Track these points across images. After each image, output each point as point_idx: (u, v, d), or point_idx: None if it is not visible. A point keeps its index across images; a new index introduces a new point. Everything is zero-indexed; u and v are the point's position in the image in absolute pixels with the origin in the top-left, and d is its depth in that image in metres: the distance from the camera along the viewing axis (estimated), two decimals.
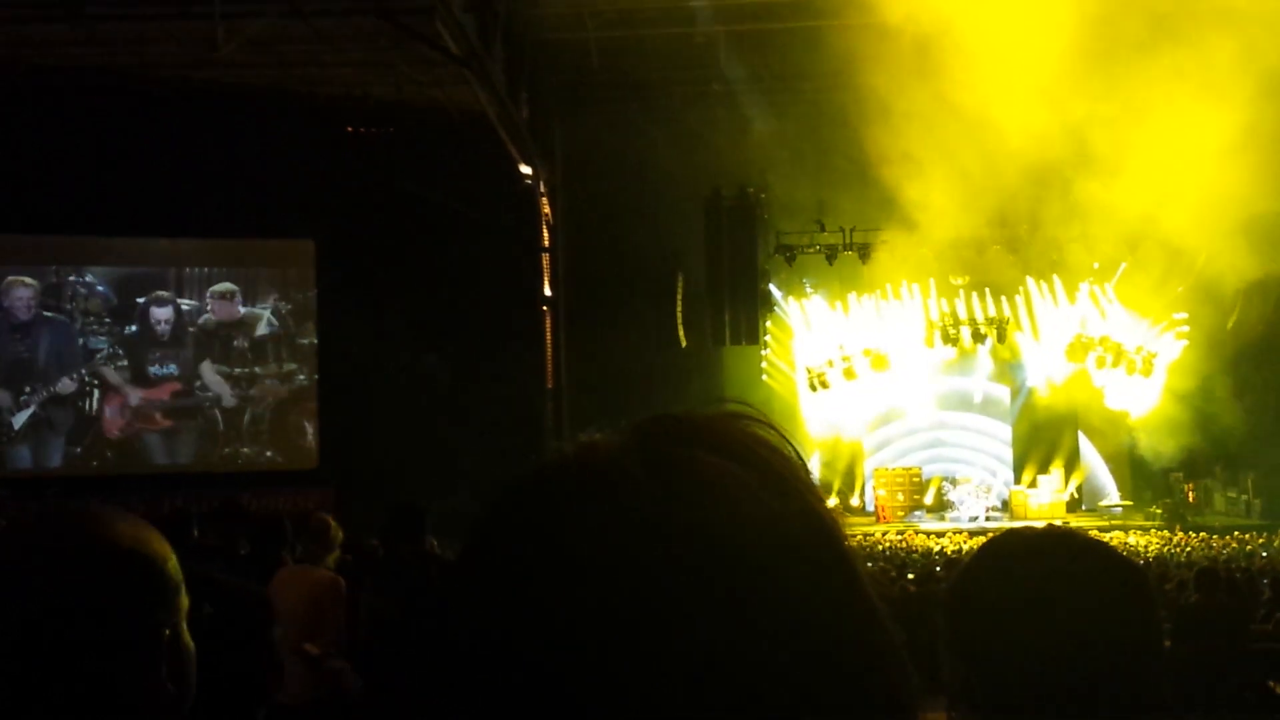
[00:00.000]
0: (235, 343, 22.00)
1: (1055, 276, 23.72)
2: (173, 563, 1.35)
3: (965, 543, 18.22)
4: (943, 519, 22.90)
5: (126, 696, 1.27)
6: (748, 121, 21.81)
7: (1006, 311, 23.84)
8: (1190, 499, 23.08)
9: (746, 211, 23.09)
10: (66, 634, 1.25)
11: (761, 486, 0.65)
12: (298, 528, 6.14)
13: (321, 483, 20.23)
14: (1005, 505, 23.62)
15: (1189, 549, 17.31)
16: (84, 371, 21.30)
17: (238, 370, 21.98)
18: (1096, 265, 23.25)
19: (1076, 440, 24.47)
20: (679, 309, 23.29)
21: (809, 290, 24.73)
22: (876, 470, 24.23)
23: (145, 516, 1.51)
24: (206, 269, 22.01)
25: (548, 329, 21.87)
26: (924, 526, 22.06)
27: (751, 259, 23.31)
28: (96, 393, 21.38)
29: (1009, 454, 24.69)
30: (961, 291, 23.79)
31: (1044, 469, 23.94)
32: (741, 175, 22.82)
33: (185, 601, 1.37)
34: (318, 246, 21.68)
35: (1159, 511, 22.41)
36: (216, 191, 19.69)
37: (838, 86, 19.46)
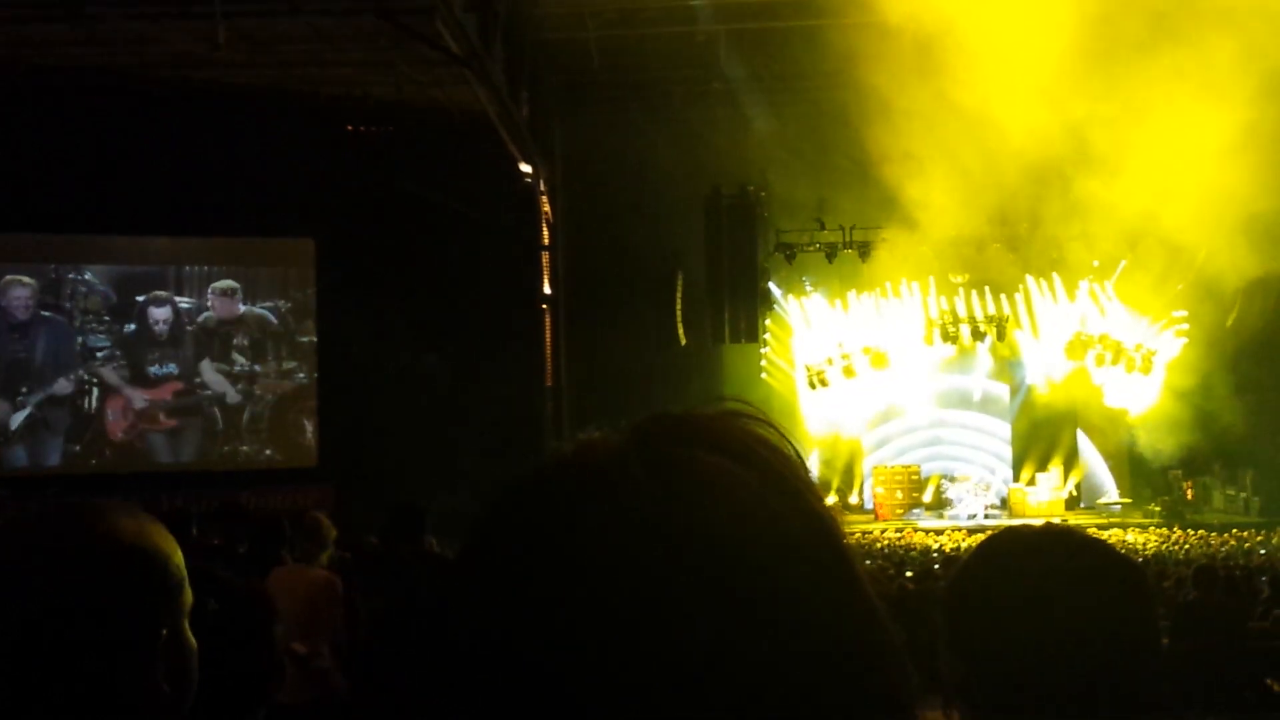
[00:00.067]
0: (235, 341, 21.98)
1: (1055, 274, 23.70)
2: (176, 559, 1.34)
3: (964, 541, 18.22)
4: (941, 517, 22.88)
5: (121, 696, 1.26)
6: (748, 120, 21.80)
7: (1006, 309, 23.82)
8: (1189, 497, 23.06)
9: (746, 210, 23.06)
10: (64, 633, 1.24)
11: (761, 485, 0.66)
12: (295, 526, 6.14)
13: (321, 481, 20.22)
14: (1004, 503, 23.60)
15: (1187, 546, 17.30)
16: (82, 371, 21.28)
17: (237, 368, 21.97)
18: (1096, 263, 23.23)
19: (1075, 438, 24.45)
20: (679, 307, 23.28)
21: (809, 288, 24.72)
22: (875, 468, 24.22)
23: None
24: (206, 268, 21.99)
25: (547, 328, 21.86)
26: (923, 524, 22.04)
27: (751, 257, 23.29)
28: (96, 391, 21.35)
29: (1008, 452, 24.68)
30: (961, 289, 23.77)
31: (1043, 467, 23.92)
32: (741, 174, 22.80)
33: (189, 598, 1.36)
34: (317, 245, 21.66)
35: (1158, 509, 22.40)
36: (216, 190, 19.67)
37: (838, 85, 19.45)
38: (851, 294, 24.25)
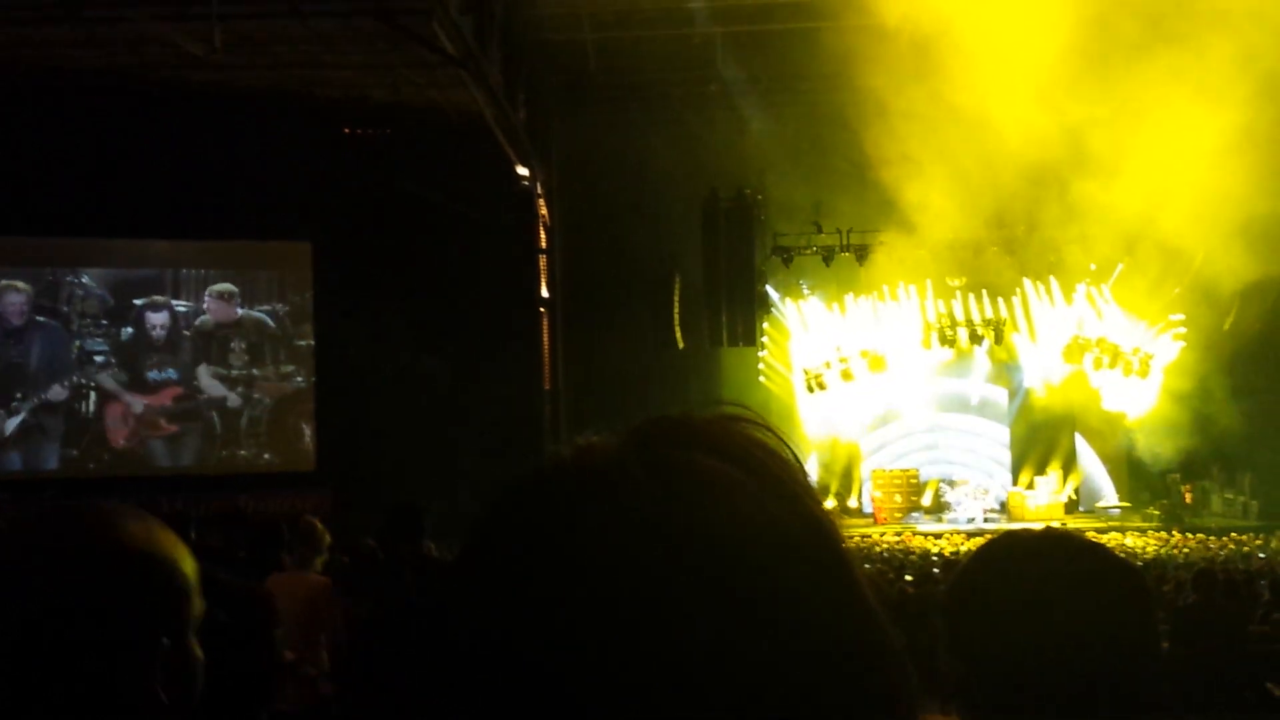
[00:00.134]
0: (233, 345, 21.97)
1: (1052, 278, 23.73)
2: (185, 568, 1.33)
3: (963, 544, 18.21)
4: (940, 520, 22.89)
5: (115, 700, 1.26)
6: (745, 123, 21.83)
7: (1003, 313, 23.86)
8: (1188, 500, 23.08)
9: (744, 213, 23.08)
10: (60, 633, 1.24)
11: (759, 489, 0.66)
12: (293, 530, 6.15)
13: (319, 485, 20.20)
14: (1003, 507, 23.62)
15: (1186, 550, 17.31)
16: (78, 376, 21.24)
17: (235, 372, 21.95)
18: (1093, 266, 23.26)
19: (1074, 442, 24.48)
20: (676, 310, 23.28)
21: (806, 292, 24.73)
22: (874, 472, 24.23)
23: None
24: (203, 271, 21.98)
25: (545, 330, 21.86)
26: (922, 528, 22.06)
27: (749, 260, 23.30)
28: (93, 395, 21.34)
29: (1006, 455, 24.70)
30: (958, 293, 23.80)
31: (1041, 470, 23.94)
32: (739, 176, 22.82)
33: (199, 608, 1.35)
34: (315, 248, 21.65)
35: (1156, 513, 22.42)
36: (214, 193, 19.67)
37: (835, 88, 19.49)
38: (849, 297, 24.28)
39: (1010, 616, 1.44)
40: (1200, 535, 19.71)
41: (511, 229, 21.14)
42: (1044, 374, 24.41)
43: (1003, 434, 24.86)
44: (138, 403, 21.39)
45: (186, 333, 21.76)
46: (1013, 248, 22.93)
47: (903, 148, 18.69)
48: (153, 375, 21.55)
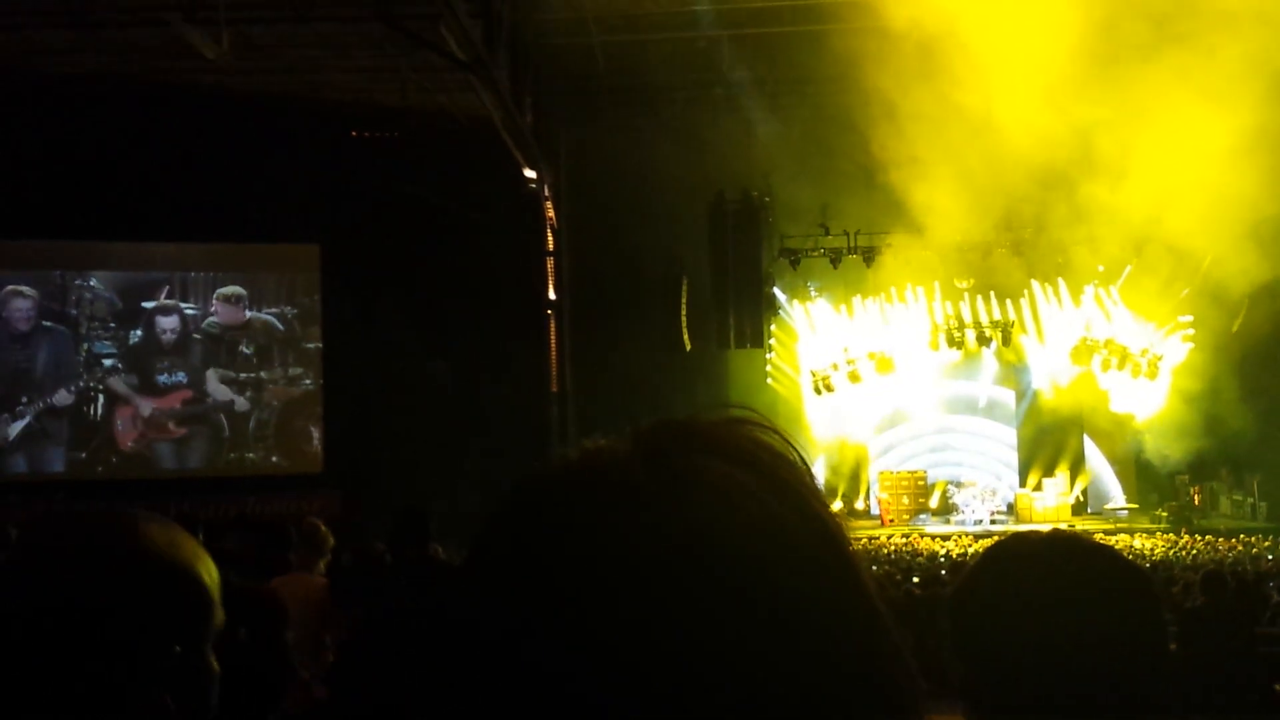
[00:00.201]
0: (241, 348, 22.00)
1: (1060, 279, 23.67)
2: (208, 579, 1.32)
3: (970, 546, 18.18)
4: (948, 522, 22.85)
5: (116, 704, 1.25)
6: (752, 125, 21.80)
7: (1011, 314, 23.82)
8: (1196, 502, 23.02)
9: (751, 215, 23.06)
10: (60, 634, 1.24)
11: (766, 491, 0.66)
12: (299, 533, 6.16)
13: (327, 487, 20.23)
14: (1010, 508, 23.58)
15: (1195, 552, 17.26)
16: (86, 380, 21.28)
17: (243, 375, 21.99)
18: (1102, 268, 23.19)
19: (1082, 443, 24.41)
20: (683, 313, 23.26)
21: (813, 294, 24.71)
22: (881, 474, 24.21)
23: None
24: (211, 274, 22.02)
25: (552, 333, 21.86)
26: (929, 530, 22.02)
27: (756, 263, 23.29)
28: (101, 398, 21.37)
29: (1014, 457, 24.65)
30: (966, 295, 23.77)
31: (1049, 472, 23.89)
32: (745, 179, 22.80)
33: (219, 619, 1.34)
34: (323, 251, 21.69)
35: (1165, 514, 22.36)
36: (222, 196, 19.71)
37: (842, 90, 19.45)
38: (856, 299, 24.26)
39: (1017, 618, 1.44)
40: (1209, 537, 19.66)
41: (519, 232, 21.15)
42: (1052, 375, 24.36)
43: (1010, 436, 24.81)
44: (146, 406, 21.43)
45: (196, 336, 21.80)
46: (1021, 249, 22.89)
47: (910, 150, 18.65)
48: (162, 379, 21.60)
